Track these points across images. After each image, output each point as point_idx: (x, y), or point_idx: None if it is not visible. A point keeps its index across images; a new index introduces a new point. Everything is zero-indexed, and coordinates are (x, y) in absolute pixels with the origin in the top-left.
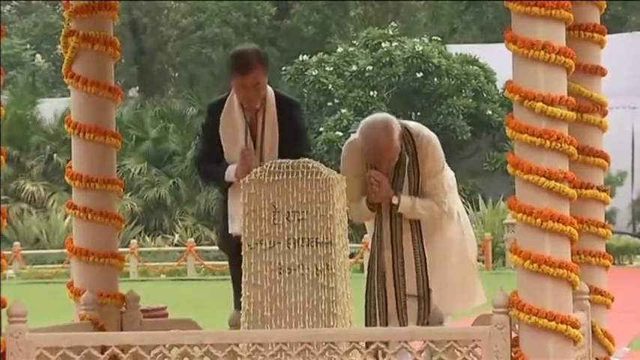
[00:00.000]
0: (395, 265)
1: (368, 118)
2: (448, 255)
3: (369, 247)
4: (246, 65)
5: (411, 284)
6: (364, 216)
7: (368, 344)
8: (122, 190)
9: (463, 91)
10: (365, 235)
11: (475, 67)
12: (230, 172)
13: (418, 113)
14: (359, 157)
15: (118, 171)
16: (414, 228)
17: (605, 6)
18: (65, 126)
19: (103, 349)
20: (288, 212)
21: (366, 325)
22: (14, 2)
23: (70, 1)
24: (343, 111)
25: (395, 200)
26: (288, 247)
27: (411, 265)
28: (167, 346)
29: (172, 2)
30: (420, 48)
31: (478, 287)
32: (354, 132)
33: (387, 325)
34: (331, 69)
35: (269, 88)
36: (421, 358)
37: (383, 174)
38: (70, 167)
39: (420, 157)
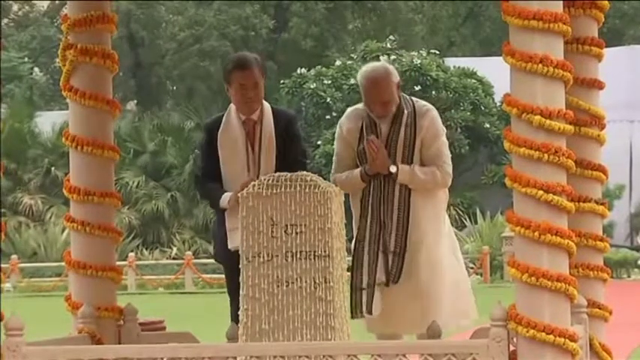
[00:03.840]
0: (375, 227)
1: (366, 64)
2: (442, 273)
3: (355, 219)
4: (246, 63)
5: (389, 242)
6: (355, 186)
7: None
8: (120, 203)
9: (461, 104)
10: None
11: (473, 81)
12: (224, 200)
13: None
14: (356, 125)
15: (115, 184)
16: (403, 200)
17: (603, 19)
18: (63, 139)
19: None
20: (286, 225)
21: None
22: (12, 15)
23: (68, 15)
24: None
25: (393, 169)
26: (286, 260)
27: (392, 226)
28: (165, 359)
29: (170, 15)
30: (418, 61)
31: (472, 303)
32: None
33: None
34: (329, 82)
35: (265, 103)
36: None
37: (379, 117)
38: (68, 180)
39: (418, 121)
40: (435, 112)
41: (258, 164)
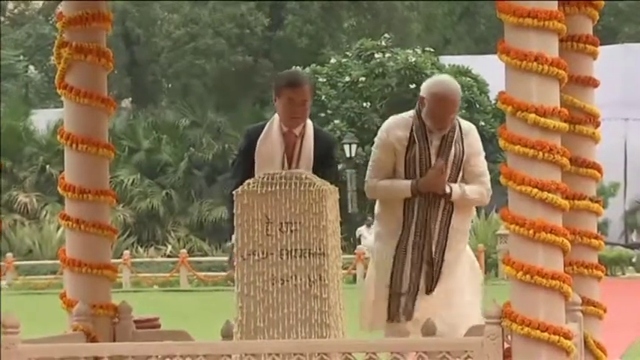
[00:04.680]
0: (420, 237)
1: (438, 77)
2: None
3: (390, 226)
4: (298, 80)
5: (431, 252)
6: (399, 195)
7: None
8: (115, 201)
9: None
10: (358, 246)
11: (468, 79)
12: None
13: None
14: (405, 134)
15: (110, 182)
16: (446, 213)
17: (598, 17)
18: (58, 137)
19: None
20: (281, 223)
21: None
22: (7, 13)
23: (63, 13)
24: (336, 122)
25: (447, 190)
26: (281, 258)
27: (434, 237)
28: (159, 357)
29: (166, 13)
30: (413, 59)
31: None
32: (347, 143)
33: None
34: (324, 80)
35: (309, 121)
36: None
37: (438, 130)
38: (63, 178)
39: (465, 138)
40: (476, 130)
41: None
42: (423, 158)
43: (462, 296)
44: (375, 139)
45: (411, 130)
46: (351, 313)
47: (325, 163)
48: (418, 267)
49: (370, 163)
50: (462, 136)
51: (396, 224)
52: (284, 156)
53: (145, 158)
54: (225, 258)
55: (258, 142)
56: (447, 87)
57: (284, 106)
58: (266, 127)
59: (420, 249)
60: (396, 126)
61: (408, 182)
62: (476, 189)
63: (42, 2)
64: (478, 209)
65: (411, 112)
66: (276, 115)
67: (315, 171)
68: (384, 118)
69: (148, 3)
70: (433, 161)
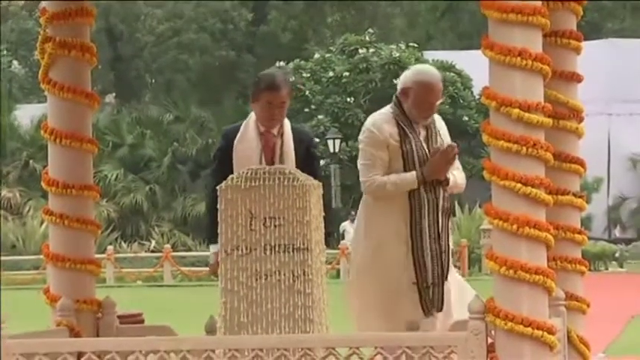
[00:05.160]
0: (433, 228)
1: (418, 66)
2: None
3: (410, 228)
4: (277, 84)
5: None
6: (405, 188)
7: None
8: (98, 196)
9: None
10: (342, 241)
11: (452, 74)
12: None
13: None
14: (395, 129)
15: (94, 177)
16: (446, 202)
17: (582, 13)
18: (42, 132)
19: (79, 356)
20: (265, 218)
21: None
22: None
23: (47, 8)
24: (320, 117)
25: (449, 175)
26: (265, 253)
27: (442, 226)
28: (143, 352)
29: (149, 8)
30: (397, 54)
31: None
32: (330, 138)
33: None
34: (308, 75)
35: (285, 119)
36: None
37: (424, 120)
38: (47, 173)
39: (439, 126)
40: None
41: None
42: (419, 149)
43: (461, 279)
44: (363, 138)
45: (398, 124)
46: (335, 308)
47: (306, 160)
48: (438, 256)
49: (364, 162)
50: (437, 126)
51: (396, 222)
52: (262, 155)
53: (128, 153)
54: (209, 253)
55: (235, 143)
56: (432, 75)
57: (262, 107)
58: (242, 128)
59: (436, 239)
60: (383, 122)
61: (413, 173)
62: (460, 175)
63: None
64: (461, 205)
65: (389, 108)
66: (252, 115)
67: (298, 169)
68: (367, 113)
69: None
70: (427, 152)
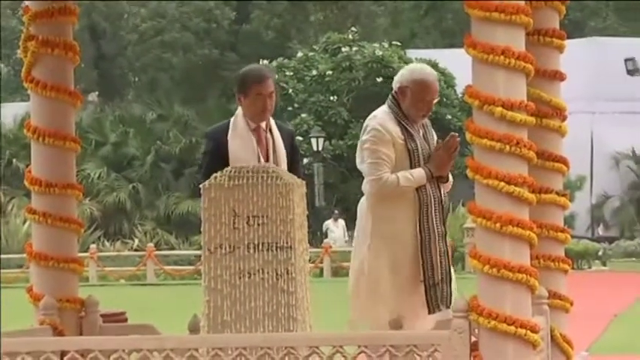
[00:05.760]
0: (440, 226)
1: (414, 65)
2: None
3: (419, 227)
4: (264, 74)
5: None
6: (415, 185)
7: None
8: (81, 194)
9: None
10: (325, 240)
11: (435, 72)
12: None
13: None
14: (398, 127)
15: (77, 176)
16: (444, 199)
17: (565, 11)
18: (25, 130)
19: (62, 354)
20: (249, 217)
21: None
22: None
23: (30, 6)
24: (303, 115)
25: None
26: (248, 251)
27: (444, 225)
28: (126, 350)
29: (132, 7)
30: (380, 53)
31: None
32: (314, 136)
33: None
34: (291, 74)
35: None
36: None
37: (422, 118)
38: (30, 172)
39: (427, 123)
40: None
41: None
42: (423, 147)
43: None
44: (369, 137)
45: (400, 123)
46: (318, 307)
47: (292, 154)
48: (444, 254)
49: (372, 160)
50: (428, 124)
51: (404, 220)
52: (258, 152)
53: (111, 152)
54: (193, 252)
55: (229, 140)
56: (428, 73)
57: (253, 100)
58: (231, 126)
59: (442, 236)
60: (386, 121)
61: (421, 169)
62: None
63: None
64: None
65: (387, 108)
66: (238, 113)
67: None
68: (350, 111)
69: None
70: (429, 149)
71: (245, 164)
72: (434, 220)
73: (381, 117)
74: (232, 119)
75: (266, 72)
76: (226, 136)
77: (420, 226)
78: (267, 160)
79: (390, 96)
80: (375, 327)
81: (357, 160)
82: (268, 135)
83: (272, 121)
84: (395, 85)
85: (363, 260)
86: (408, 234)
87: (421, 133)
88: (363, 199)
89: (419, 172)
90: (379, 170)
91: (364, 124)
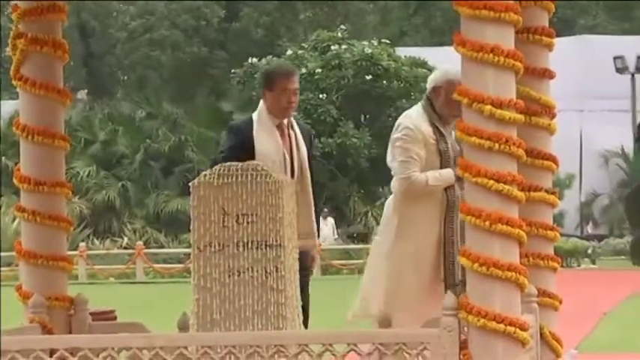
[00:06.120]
0: (461, 227)
1: (447, 66)
2: None
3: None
4: (291, 70)
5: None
6: (443, 186)
7: None
8: (71, 192)
9: (412, 93)
10: None
11: (424, 70)
12: None
13: (367, 116)
14: (431, 127)
15: (66, 174)
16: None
17: (554, 9)
18: (14, 128)
19: (51, 352)
20: (238, 215)
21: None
22: None
23: (19, 4)
24: (292, 113)
25: None
26: (238, 249)
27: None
28: (116, 349)
29: (121, 5)
30: (369, 51)
31: None
32: None
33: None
34: None
35: None
36: None
37: (455, 118)
38: (19, 170)
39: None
40: None
41: (292, 167)
42: (453, 148)
43: None
44: (401, 136)
45: (432, 123)
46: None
47: (310, 151)
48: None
49: (403, 159)
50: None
51: (432, 220)
52: (283, 148)
53: (100, 150)
54: (183, 250)
55: (254, 134)
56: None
57: (278, 96)
58: (256, 121)
59: (462, 237)
60: (419, 121)
61: (449, 170)
62: None
63: None
64: None
65: (420, 108)
66: (261, 108)
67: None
68: (340, 109)
69: None
70: (460, 150)
71: (271, 159)
72: (457, 220)
73: (414, 116)
74: (256, 114)
75: (293, 68)
76: (251, 130)
77: (444, 225)
78: (290, 156)
79: (424, 96)
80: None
81: (388, 158)
82: (290, 131)
83: (292, 119)
84: (429, 85)
85: (387, 257)
86: (433, 233)
87: (453, 135)
88: (390, 197)
89: (447, 172)
90: (409, 169)
91: (397, 122)
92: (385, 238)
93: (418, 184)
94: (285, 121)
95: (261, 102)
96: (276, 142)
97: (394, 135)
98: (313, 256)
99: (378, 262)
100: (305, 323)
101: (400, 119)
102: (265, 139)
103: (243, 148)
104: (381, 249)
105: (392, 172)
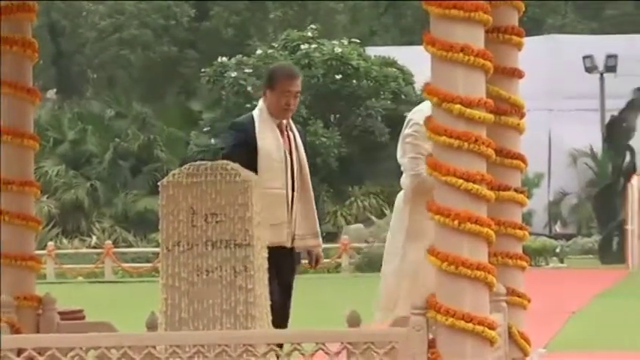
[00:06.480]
0: None
1: None
2: None
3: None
4: (294, 72)
5: None
6: None
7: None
8: (39, 192)
9: (382, 93)
10: None
11: (394, 69)
12: None
13: (337, 115)
14: None
15: (35, 173)
16: None
17: (524, 8)
18: None
19: (19, 352)
20: (206, 214)
21: None
22: None
23: None
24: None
25: None
26: (206, 248)
27: None
28: (84, 348)
29: (91, 5)
30: (339, 50)
31: None
32: None
33: None
34: (250, 71)
35: None
36: None
37: None
38: None
39: None
40: None
41: (291, 165)
42: None
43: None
44: (412, 132)
45: None
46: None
47: (304, 150)
48: None
49: (414, 155)
50: None
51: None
52: (283, 146)
53: (69, 149)
54: (151, 249)
55: (257, 130)
56: None
57: (279, 96)
58: (258, 119)
59: None
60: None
61: None
62: None
63: None
64: None
65: (429, 103)
66: (262, 107)
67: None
68: (309, 109)
69: None
70: None
71: (273, 157)
72: None
73: (424, 112)
74: (256, 112)
75: (296, 71)
76: (254, 127)
77: None
78: (291, 155)
79: None
80: None
81: (398, 154)
82: (289, 132)
83: (290, 121)
84: None
85: (402, 259)
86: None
87: None
88: (400, 193)
89: None
90: (419, 165)
91: (407, 118)
92: (397, 238)
93: (427, 181)
94: (285, 122)
95: (261, 100)
96: (277, 141)
97: (405, 131)
98: (318, 255)
99: (394, 266)
100: (285, 324)
101: (410, 115)
102: (268, 137)
103: (246, 145)
104: (395, 249)
105: (402, 168)
